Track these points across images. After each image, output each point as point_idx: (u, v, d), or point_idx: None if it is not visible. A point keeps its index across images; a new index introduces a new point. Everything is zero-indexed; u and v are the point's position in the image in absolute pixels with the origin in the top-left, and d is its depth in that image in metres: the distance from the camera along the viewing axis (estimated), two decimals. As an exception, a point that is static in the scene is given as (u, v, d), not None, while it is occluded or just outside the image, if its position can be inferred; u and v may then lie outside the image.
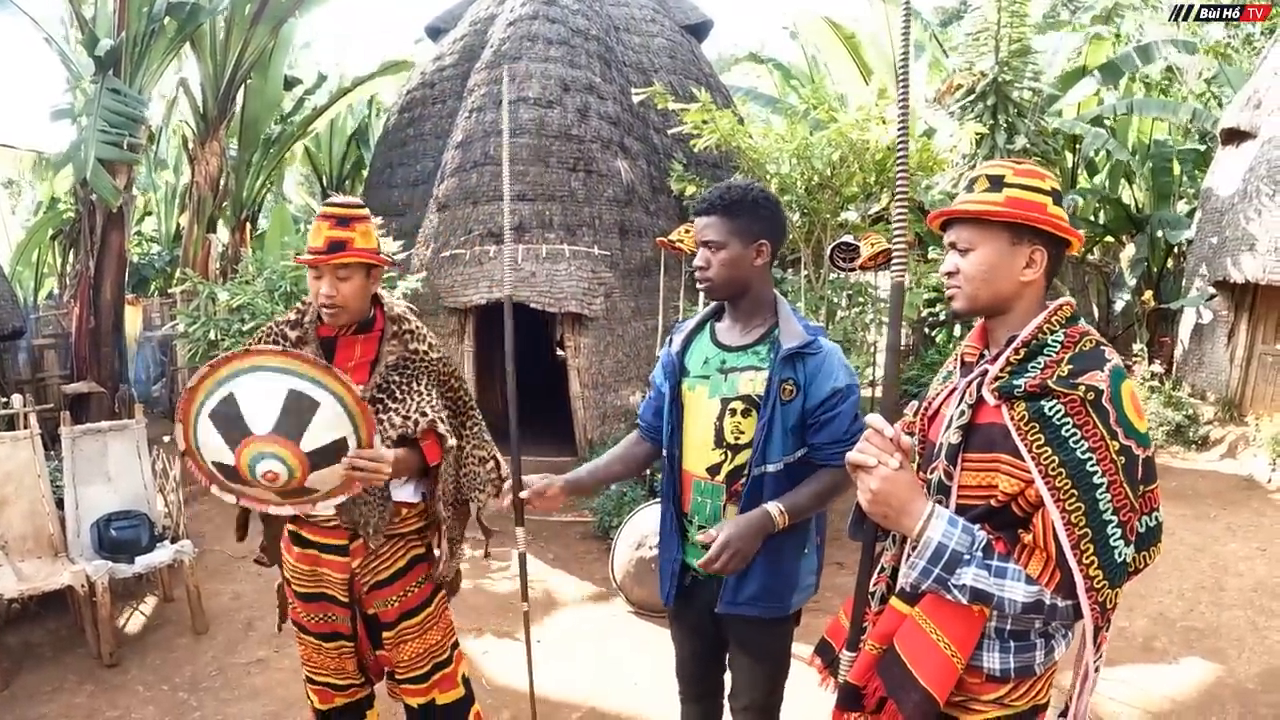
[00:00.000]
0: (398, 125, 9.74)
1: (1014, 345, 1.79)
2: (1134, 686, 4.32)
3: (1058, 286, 11.05)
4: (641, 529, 5.17)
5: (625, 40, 9.49)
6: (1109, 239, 13.01)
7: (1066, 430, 1.64)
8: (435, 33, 10.48)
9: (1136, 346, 10.36)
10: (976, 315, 1.90)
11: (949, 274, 1.87)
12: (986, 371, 1.81)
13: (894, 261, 1.73)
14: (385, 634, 2.87)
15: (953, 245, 1.87)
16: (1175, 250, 11.91)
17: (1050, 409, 1.67)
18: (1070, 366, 1.70)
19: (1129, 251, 11.54)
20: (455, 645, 3.06)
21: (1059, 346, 1.75)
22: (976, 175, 1.85)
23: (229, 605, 5.36)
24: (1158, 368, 9.94)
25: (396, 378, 2.75)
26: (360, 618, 2.89)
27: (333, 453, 2.40)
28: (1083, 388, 1.65)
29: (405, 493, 2.83)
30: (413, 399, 2.74)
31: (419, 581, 2.88)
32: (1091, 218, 13.15)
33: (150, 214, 16.29)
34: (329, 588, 2.79)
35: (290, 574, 2.84)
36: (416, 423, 2.70)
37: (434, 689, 2.95)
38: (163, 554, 4.97)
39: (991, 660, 1.81)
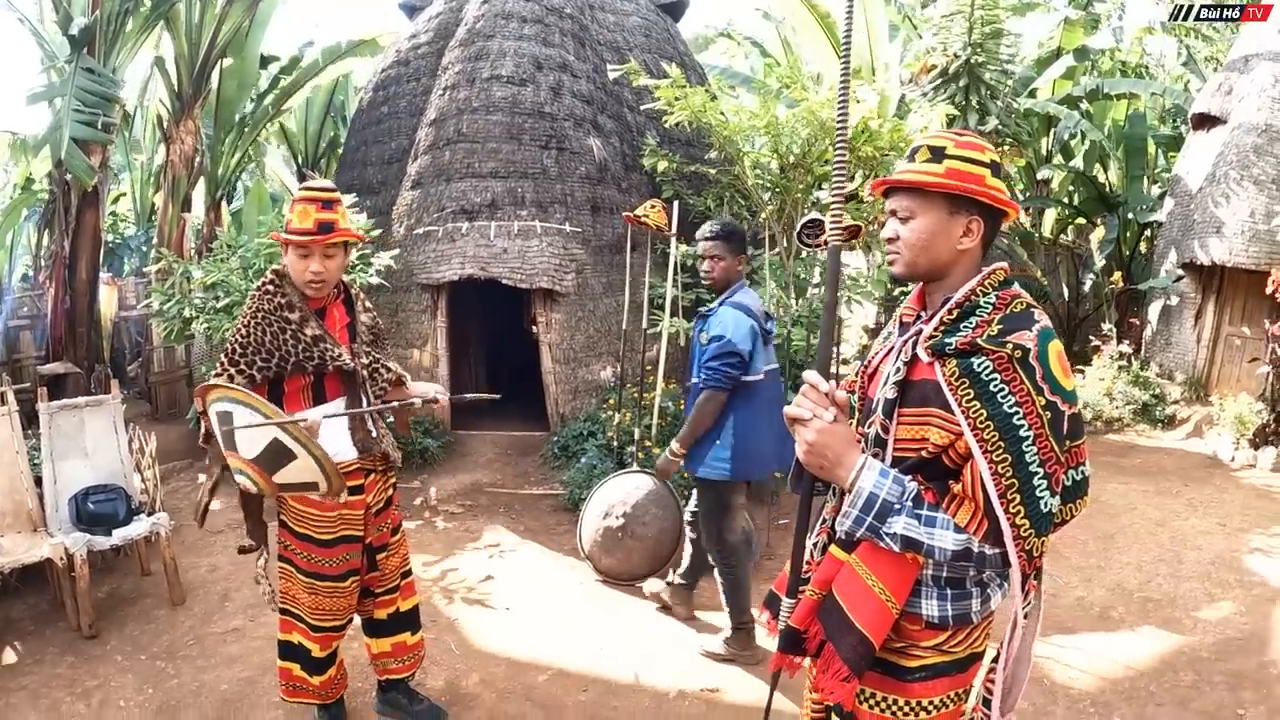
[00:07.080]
0: (373, 103, 9.68)
1: (948, 306, 1.86)
2: (1090, 653, 4.41)
3: (1030, 269, 11.20)
4: (608, 499, 5.23)
5: (600, 18, 9.48)
6: (1081, 220, 13.09)
7: (995, 385, 1.71)
8: (411, 10, 10.42)
9: (1106, 326, 10.47)
10: (914, 280, 1.97)
11: (889, 240, 1.94)
12: (921, 331, 1.88)
13: (830, 226, 1.81)
14: (379, 555, 3.44)
15: (893, 213, 1.93)
16: (1147, 232, 12.05)
17: (979, 365, 1.73)
18: (1000, 326, 1.76)
19: (1099, 233, 11.63)
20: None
21: (990, 308, 1.82)
22: (919, 145, 1.91)
23: (205, 577, 5.42)
24: (1126, 347, 10.05)
25: (373, 337, 3.44)
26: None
27: (299, 486, 2.87)
28: (1010, 345, 1.72)
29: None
30: (386, 351, 3.54)
31: (396, 506, 3.55)
32: (1065, 199, 13.26)
33: (125, 194, 16.17)
34: (350, 526, 3.27)
35: (313, 528, 3.23)
36: (391, 369, 3.48)
37: (399, 597, 3.57)
38: (140, 527, 5.00)
39: (930, 608, 1.88)
